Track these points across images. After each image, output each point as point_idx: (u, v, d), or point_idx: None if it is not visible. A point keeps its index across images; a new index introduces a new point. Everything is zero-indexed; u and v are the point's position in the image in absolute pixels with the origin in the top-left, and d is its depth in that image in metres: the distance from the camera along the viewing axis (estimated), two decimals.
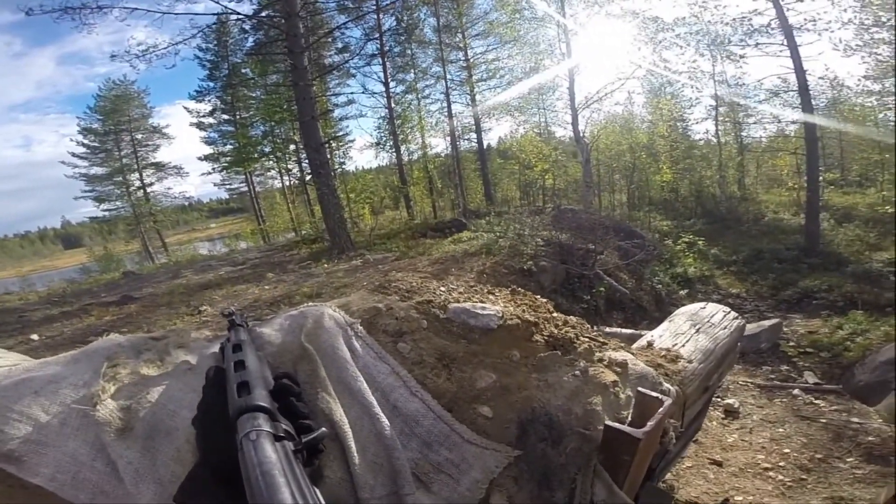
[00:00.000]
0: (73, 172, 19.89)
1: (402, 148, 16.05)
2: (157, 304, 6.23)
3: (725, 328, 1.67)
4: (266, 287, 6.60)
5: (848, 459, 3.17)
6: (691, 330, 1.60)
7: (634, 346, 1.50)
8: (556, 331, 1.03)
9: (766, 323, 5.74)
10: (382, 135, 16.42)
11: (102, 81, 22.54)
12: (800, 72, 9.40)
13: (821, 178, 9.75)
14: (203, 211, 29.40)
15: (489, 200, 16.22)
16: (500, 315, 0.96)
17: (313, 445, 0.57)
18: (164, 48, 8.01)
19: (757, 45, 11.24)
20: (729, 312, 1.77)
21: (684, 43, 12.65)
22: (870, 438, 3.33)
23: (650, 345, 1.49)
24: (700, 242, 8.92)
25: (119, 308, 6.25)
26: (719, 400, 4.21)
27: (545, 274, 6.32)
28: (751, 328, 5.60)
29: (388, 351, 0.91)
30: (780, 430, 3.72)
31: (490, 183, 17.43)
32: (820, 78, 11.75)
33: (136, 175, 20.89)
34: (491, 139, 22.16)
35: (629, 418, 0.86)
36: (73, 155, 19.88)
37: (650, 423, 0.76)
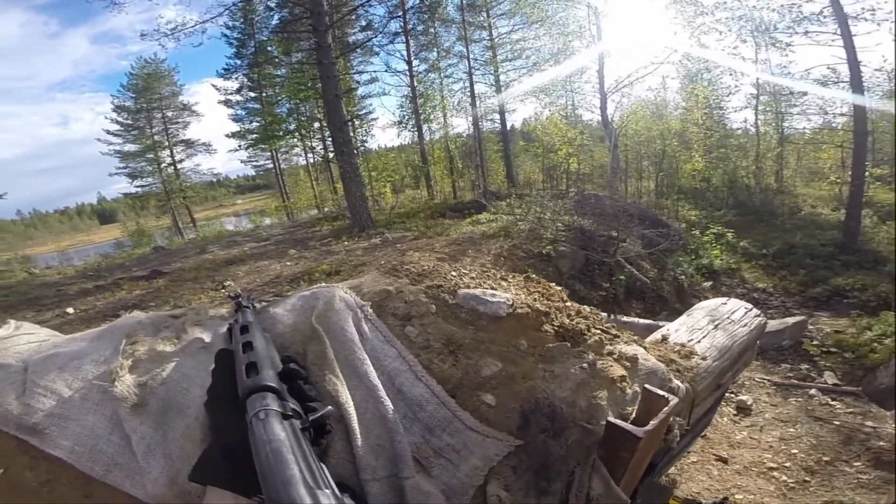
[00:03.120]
0: (108, 149, 20.68)
1: (424, 127, 15.93)
2: (183, 279, 6.42)
3: (745, 325, 1.60)
4: (288, 263, 6.76)
5: (855, 464, 3.10)
6: (709, 326, 1.55)
7: (649, 339, 1.46)
8: (567, 321, 1.01)
9: (791, 320, 5.55)
10: (405, 113, 16.36)
11: (134, 60, 23.04)
12: (853, 63, 8.67)
13: (867, 172, 9.13)
14: (230, 187, 30.18)
15: (510, 182, 15.98)
16: (510, 303, 0.95)
17: (320, 424, 0.59)
18: (192, 26, 8.15)
19: (806, 33, 10.49)
20: (751, 310, 1.70)
21: (725, 28, 11.91)
22: (881, 443, 3.24)
23: (665, 339, 1.46)
24: (729, 234, 8.59)
25: (148, 282, 6.46)
26: (733, 396, 4.12)
27: (564, 259, 6.23)
28: (774, 325, 5.43)
29: (396, 334, 0.92)
30: (791, 429, 3.63)
31: (512, 164, 17.15)
32: (876, 70, 10.76)
33: (168, 152, 21.50)
34: (514, 120, 21.62)
35: (633, 414, 0.84)
36: (108, 132, 20.60)
37: (653, 423, 0.74)
